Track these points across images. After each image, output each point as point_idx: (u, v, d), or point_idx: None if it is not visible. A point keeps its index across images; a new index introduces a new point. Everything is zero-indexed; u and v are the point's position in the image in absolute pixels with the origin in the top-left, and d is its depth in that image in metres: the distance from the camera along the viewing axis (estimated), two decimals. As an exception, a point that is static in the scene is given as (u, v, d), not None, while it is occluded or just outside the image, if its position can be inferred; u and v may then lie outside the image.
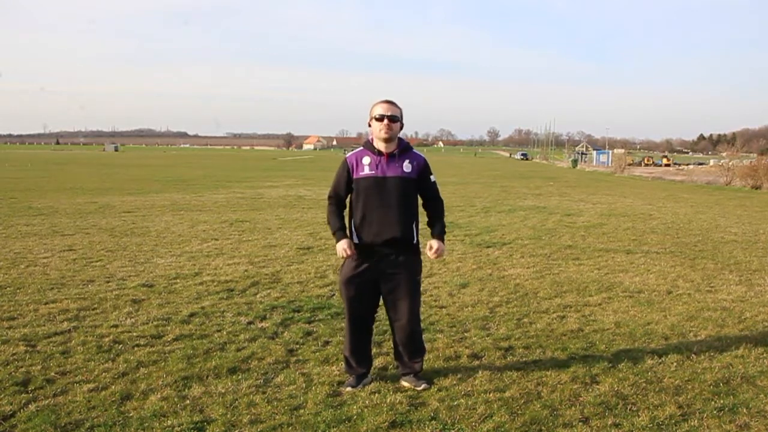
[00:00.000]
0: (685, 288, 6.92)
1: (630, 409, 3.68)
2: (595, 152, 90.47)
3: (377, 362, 4.34)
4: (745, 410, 3.70)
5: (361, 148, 3.98)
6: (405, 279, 3.89)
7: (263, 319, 5.41)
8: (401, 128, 3.92)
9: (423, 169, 3.95)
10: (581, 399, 3.82)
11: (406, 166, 3.87)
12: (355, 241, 3.90)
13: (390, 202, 3.80)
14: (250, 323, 5.27)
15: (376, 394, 3.83)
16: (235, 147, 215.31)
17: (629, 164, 55.06)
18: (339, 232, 3.91)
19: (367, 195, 3.83)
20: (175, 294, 6.21)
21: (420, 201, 4.03)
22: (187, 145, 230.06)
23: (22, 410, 3.52)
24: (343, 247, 3.86)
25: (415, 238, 3.93)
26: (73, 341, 4.70)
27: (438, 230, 3.99)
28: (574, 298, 6.38)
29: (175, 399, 3.70)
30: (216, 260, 8.02)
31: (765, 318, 5.76)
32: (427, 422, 3.46)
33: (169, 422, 3.40)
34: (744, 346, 4.85)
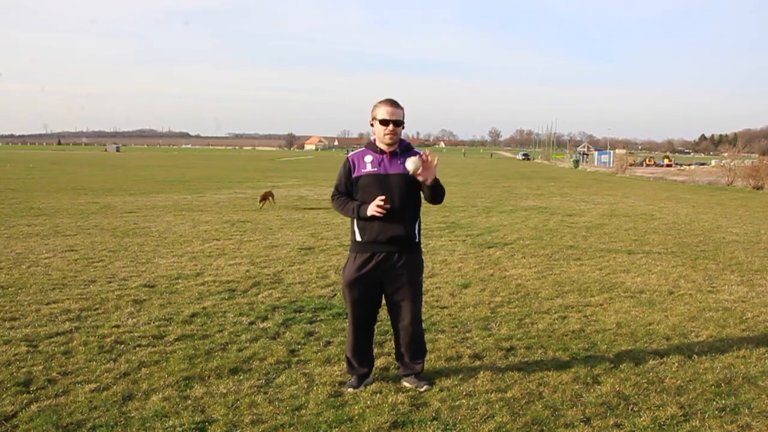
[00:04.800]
0: (687, 288, 6.91)
1: (631, 410, 3.68)
2: (596, 152, 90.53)
3: (379, 362, 4.34)
4: (746, 411, 3.70)
5: (364, 148, 3.98)
6: (408, 281, 3.88)
7: (265, 319, 5.41)
8: (403, 128, 3.93)
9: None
10: (583, 399, 3.82)
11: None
12: (358, 239, 3.90)
13: (393, 199, 3.78)
14: (251, 323, 5.28)
15: (378, 395, 3.83)
16: (237, 147, 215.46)
17: (631, 164, 55.00)
18: (361, 206, 3.78)
19: (369, 192, 3.81)
20: (177, 294, 6.21)
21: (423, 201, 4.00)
22: (189, 146, 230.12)
23: (23, 410, 3.52)
24: (374, 207, 3.70)
25: (417, 237, 3.93)
26: (75, 341, 4.71)
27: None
28: (576, 298, 6.38)
29: (177, 399, 3.71)
30: (218, 260, 8.03)
31: (766, 318, 5.75)
32: (429, 422, 3.46)
33: (171, 422, 3.40)
34: (746, 347, 4.85)
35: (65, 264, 7.61)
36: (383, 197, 3.71)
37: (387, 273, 3.86)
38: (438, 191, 3.83)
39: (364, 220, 3.81)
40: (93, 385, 3.87)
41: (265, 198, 14.82)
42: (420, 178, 3.74)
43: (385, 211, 3.71)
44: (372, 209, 3.72)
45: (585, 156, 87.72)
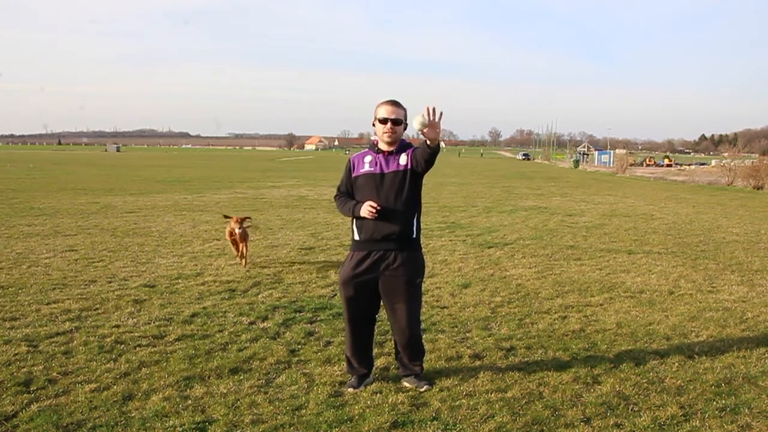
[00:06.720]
0: (687, 288, 6.91)
1: (632, 410, 3.68)
2: (596, 152, 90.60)
3: (379, 362, 4.34)
4: (746, 410, 3.70)
5: (367, 149, 4.02)
6: (404, 281, 3.87)
7: (265, 319, 5.42)
8: (405, 129, 3.94)
9: (414, 151, 3.88)
10: (583, 399, 3.82)
11: (402, 159, 3.87)
12: (356, 237, 3.91)
13: (388, 197, 3.80)
14: (251, 323, 5.28)
15: (378, 395, 3.83)
16: (237, 147, 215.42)
17: (631, 164, 54.99)
18: (356, 205, 3.85)
19: (365, 191, 3.86)
20: (177, 294, 6.21)
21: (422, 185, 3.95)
22: (189, 146, 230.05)
23: (24, 410, 3.52)
24: (366, 208, 3.76)
25: (415, 233, 3.92)
26: (75, 341, 4.71)
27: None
28: (576, 298, 6.38)
29: (177, 399, 3.71)
30: (218, 260, 8.03)
31: (767, 318, 5.75)
32: (429, 422, 3.47)
33: (171, 422, 3.40)
34: (746, 347, 4.85)
35: (65, 264, 7.61)
36: (373, 204, 3.75)
37: (383, 273, 3.86)
38: (437, 153, 3.70)
39: (360, 220, 3.85)
40: (93, 385, 3.88)
41: (243, 237, 7.65)
42: (425, 137, 3.60)
43: (376, 214, 3.75)
44: (363, 211, 3.78)
45: (585, 156, 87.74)
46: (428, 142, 3.61)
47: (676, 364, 4.46)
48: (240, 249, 7.67)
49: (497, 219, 13.39)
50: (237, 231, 7.58)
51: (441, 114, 3.54)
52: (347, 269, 3.92)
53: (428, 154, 3.67)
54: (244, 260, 7.67)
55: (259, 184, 24.17)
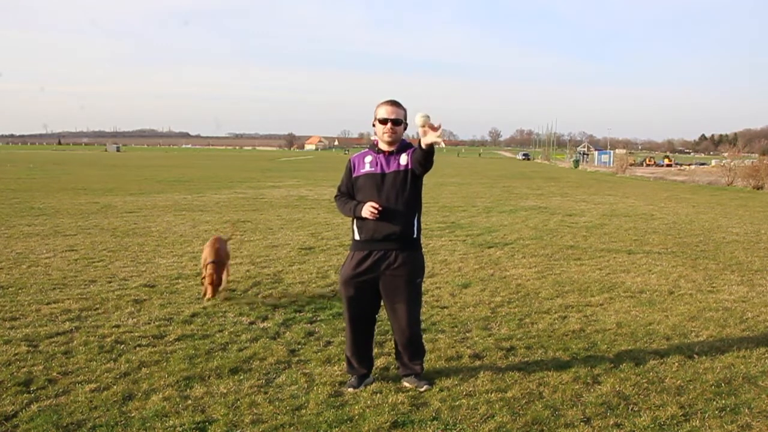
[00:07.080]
0: (687, 288, 6.91)
1: (632, 410, 3.68)
2: (596, 152, 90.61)
3: (379, 362, 4.34)
4: (746, 410, 3.70)
5: (367, 149, 4.02)
6: (404, 281, 3.88)
7: (265, 319, 5.42)
8: (405, 129, 3.94)
9: (414, 151, 3.90)
10: (583, 399, 3.82)
11: (403, 159, 3.87)
12: (356, 237, 3.91)
13: (389, 197, 3.81)
14: (251, 323, 5.28)
15: (378, 395, 3.83)
16: (237, 147, 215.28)
17: (631, 164, 55.01)
18: (357, 205, 3.85)
19: (366, 191, 3.86)
20: (177, 294, 6.21)
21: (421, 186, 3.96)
22: (189, 146, 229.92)
23: (24, 410, 3.52)
24: (367, 208, 3.76)
25: (415, 233, 3.92)
26: (75, 341, 4.71)
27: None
28: (576, 298, 6.38)
29: (177, 399, 3.71)
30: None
31: (767, 318, 5.75)
32: (429, 422, 3.47)
33: (171, 422, 3.40)
34: (746, 347, 4.85)
35: (65, 264, 7.61)
36: (375, 204, 3.75)
37: (384, 272, 3.86)
38: (431, 154, 3.70)
39: (361, 220, 3.85)
40: (93, 385, 3.88)
41: (215, 278, 5.78)
42: (422, 135, 3.62)
43: (378, 214, 3.75)
44: (365, 212, 3.78)
45: (585, 156, 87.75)
46: (423, 143, 3.62)
47: (676, 364, 4.46)
48: (220, 281, 5.86)
49: (497, 219, 13.39)
50: (209, 267, 5.76)
51: (440, 133, 3.57)
52: (348, 269, 3.92)
53: (421, 155, 3.68)
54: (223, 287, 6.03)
55: (259, 184, 24.17)
